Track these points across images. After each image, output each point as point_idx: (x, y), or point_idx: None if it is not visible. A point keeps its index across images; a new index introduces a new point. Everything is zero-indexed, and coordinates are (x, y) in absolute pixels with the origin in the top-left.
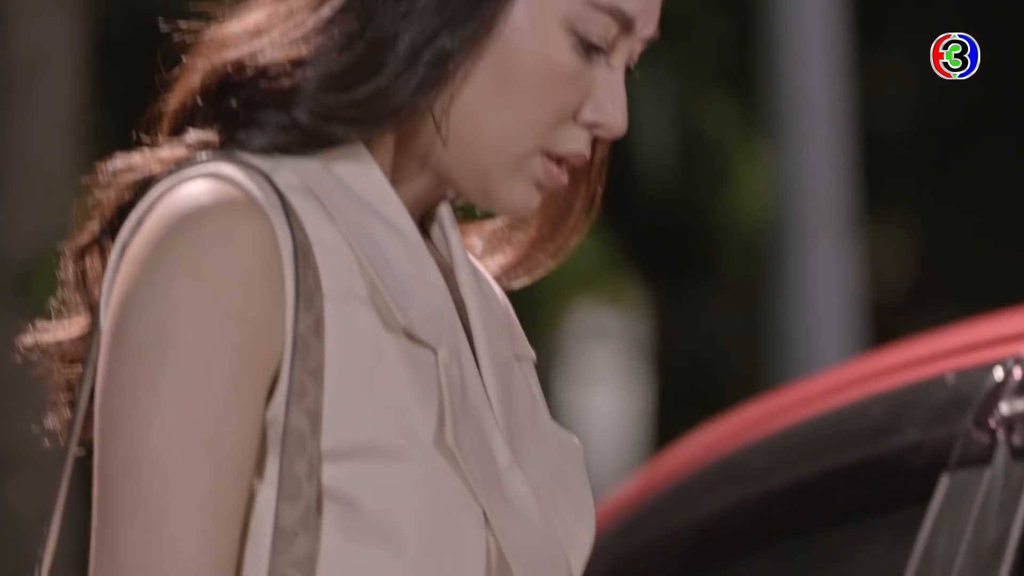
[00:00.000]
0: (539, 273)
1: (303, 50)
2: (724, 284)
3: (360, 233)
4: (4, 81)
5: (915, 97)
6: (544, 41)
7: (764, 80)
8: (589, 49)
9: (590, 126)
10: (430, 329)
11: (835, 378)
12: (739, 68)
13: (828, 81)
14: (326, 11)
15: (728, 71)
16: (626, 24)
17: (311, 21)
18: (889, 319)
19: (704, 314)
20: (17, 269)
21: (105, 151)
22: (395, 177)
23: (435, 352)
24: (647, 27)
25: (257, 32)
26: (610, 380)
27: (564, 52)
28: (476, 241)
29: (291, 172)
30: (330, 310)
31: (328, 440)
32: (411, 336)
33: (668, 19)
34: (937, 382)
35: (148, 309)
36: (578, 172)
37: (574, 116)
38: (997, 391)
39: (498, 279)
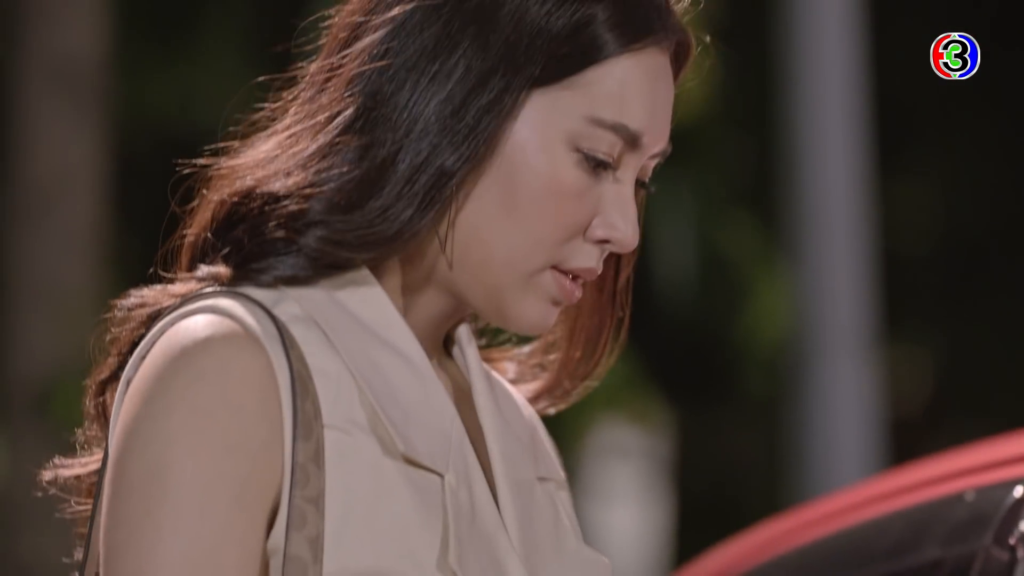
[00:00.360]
0: (571, 399)
1: (306, 176)
2: (743, 403)
3: (363, 361)
4: (25, 202)
5: (933, 218)
6: (548, 159)
7: (784, 200)
8: (595, 166)
9: (600, 242)
10: (435, 454)
11: (854, 496)
12: (759, 188)
13: (848, 201)
14: (327, 136)
15: (749, 190)
16: (632, 140)
17: (313, 147)
18: (908, 437)
19: (723, 432)
20: (36, 389)
21: (125, 273)
22: (408, 298)
23: (441, 477)
24: (656, 143)
25: (264, 162)
26: (630, 498)
27: (569, 169)
28: (509, 366)
29: (294, 303)
30: (330, 438)
31: (330, 566)
32: (414, 462)
33: (688, 138)
34: (957, 500)
35: (148, 442)
36: (603, 296)
37: (584, 232)
38: (1017, 509)
39: (532, 403)
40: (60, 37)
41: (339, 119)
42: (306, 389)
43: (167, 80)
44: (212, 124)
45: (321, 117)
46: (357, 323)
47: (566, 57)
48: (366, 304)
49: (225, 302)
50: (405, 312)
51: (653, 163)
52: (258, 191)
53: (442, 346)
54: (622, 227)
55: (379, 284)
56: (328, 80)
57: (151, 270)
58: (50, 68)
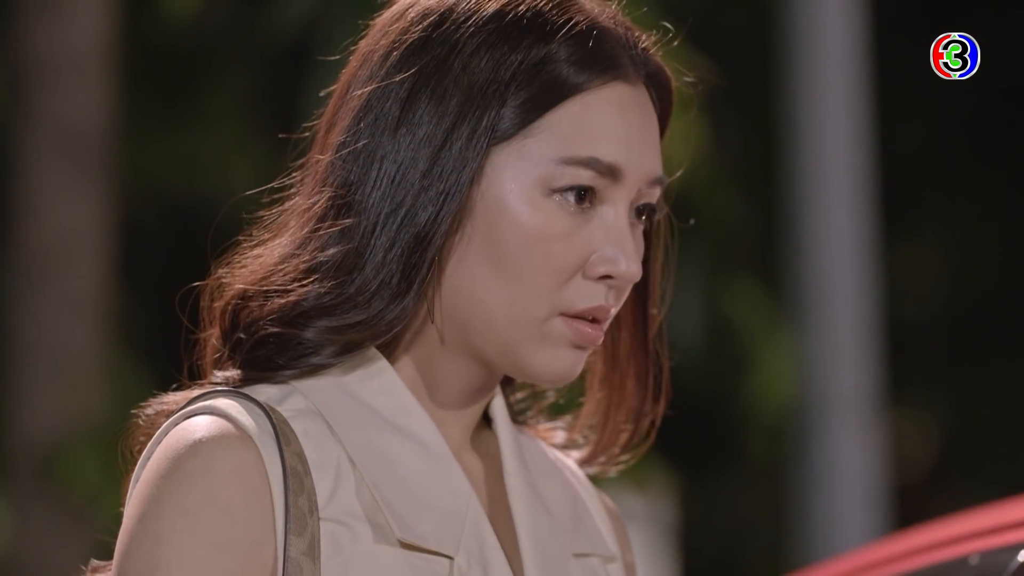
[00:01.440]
0: (628, 455)
1: (293, 270)
2: (748, 467)
3: (367, 450)
4: (28, 267)
5: (937, 283)
6: (526, 209)
7: (788, 265)
8: (578, 200)
9: (603, 278)
10: (443, 537)
11: (859, 560)
12: (763, 253)
13: (852, 267)
14: (307, 229)
15: (752, 256)
16: (609, 172)
17: (297, 241)
18: (912, 502)
19: (728, 497)
20: (40, 454)
21: (129, 337)
22: (431, 374)
23: (451, 559)
24: (641, 172)
25: (256, 263)
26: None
27: (549, 214)
28: (559, 434)
29: (301, 397)
30: (326, 531)
31: None
32: (415, 547)
33: (692, 203)
34: (961, 564)
35: (140, 543)
36: (637, 346)
37: (583, 272)
38: (1021, 573)
39: (588, 464)
40: (65, 103)
41: (316, 210)
42: (301, 484)
43: (171, 146)
44: (216, 191)
45: (303, 213)
46: (367, 411)
47: (526, 103)
48: (379, 391)
49: (223, 402)
50: (433, 388)
51: (654, 193)
52: (251, 291)
53: (483, 421)
54: (620, 260)
55: (393, 368)
56: (310, 177)
57: (175, 386)
58: (55, 134)
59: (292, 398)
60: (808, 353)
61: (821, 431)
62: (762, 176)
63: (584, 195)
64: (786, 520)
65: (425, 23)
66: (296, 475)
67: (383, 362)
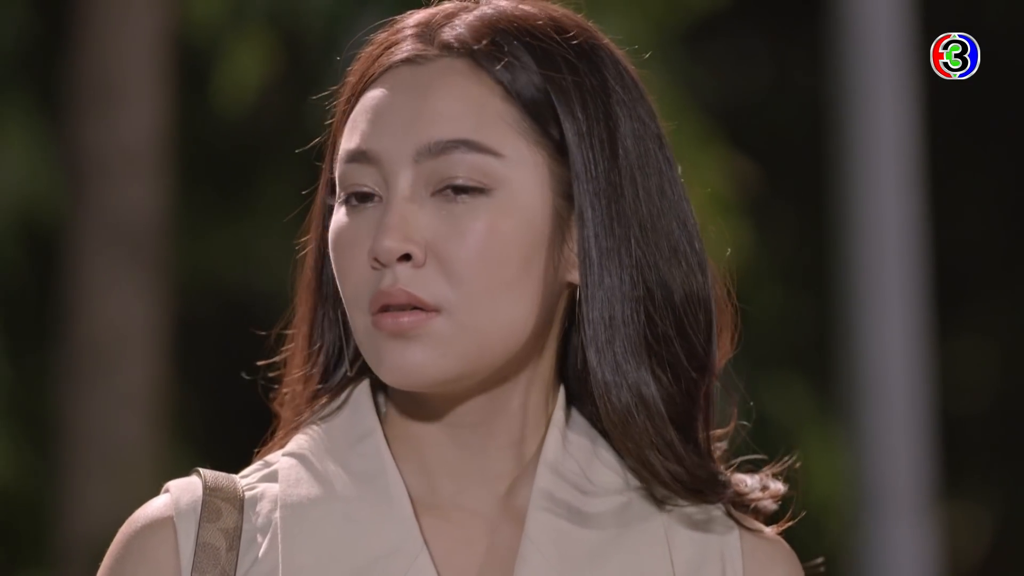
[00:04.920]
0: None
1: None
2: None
3: (299, 511)
4: (82, 360)
5: (990, 375)
6: (332, 229)
7: (842, 358)
8: (364, 203)
9: (377, 263)
10: None
11: None
12: (817, 345)
13: (906, 359)
14: None
15: (806, 348)
16: (363, 157)
17: None
18: None
19: None
20: (93, 548)
21: (183, 432)
22: (407, 419)
23: None
24: (403, 146)
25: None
26: None
27: (340, 225)
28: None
29: (278, 464)
30: None
31: None
32: None
33: (741, 297)
34: None
35: None
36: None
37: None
38: None
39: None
40: (119, 197)
41: None
42: (215, 560)
43: (225, 240)
44: (270, 284)
45: None
46: (337, 477)
47: (328, 149)
48: (362, 456)
49: (178, 481)
50: (415, 436)
51: (452, 161)
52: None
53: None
54: (377, 238)
55: (383, 423)
56: None
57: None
58: (109, 227)
59: (271, 468)
60: (860, 447)
61: (875, 525)
62: (815, 268)
63: (365, 196)
64: None
65: None
66: (209, 551)
67: (370, 416)
